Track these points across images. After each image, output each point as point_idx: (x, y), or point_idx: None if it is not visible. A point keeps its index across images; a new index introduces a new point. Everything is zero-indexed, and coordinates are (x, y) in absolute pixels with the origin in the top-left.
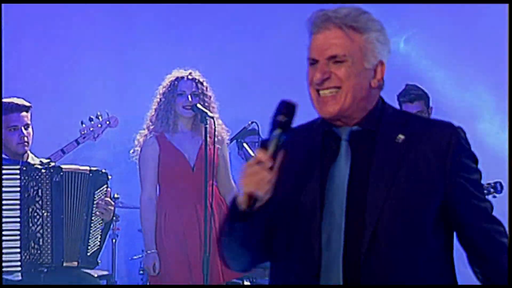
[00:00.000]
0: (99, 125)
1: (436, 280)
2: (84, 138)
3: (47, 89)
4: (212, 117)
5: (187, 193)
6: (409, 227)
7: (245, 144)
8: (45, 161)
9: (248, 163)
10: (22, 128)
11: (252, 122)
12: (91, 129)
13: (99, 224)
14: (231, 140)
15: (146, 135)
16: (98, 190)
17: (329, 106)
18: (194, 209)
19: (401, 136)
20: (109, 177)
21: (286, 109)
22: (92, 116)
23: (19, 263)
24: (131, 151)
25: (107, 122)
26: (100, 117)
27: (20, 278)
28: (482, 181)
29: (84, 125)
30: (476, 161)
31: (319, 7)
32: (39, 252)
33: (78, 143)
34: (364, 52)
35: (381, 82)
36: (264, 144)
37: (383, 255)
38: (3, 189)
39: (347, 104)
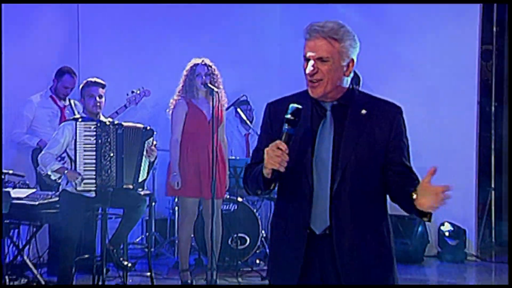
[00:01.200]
0: (138, 95)
1: (377, 196)
2: (129, 103)
3: (108, 72)
4: (217, 92)
5: (203, 138)
6: (365, 168)
7: (239, 110)
8: (110, 120)
9: (270, 148)
10: (97, 97)
11: (243, 95)
12: (133, 98)
13: (146, 161)
14: (229, 107)
15: (177, 100)
16: (147, 140)
17: (317, 90)
18: (206, 148)
19: (364, 111)
20: (155, 132)
21: (294, 111)
22: (134, 90)
23: (94, 186)
24: (167, 109)
25: (144, 93)
26: (139, 90)
27: (94, 195)
28: None
29: (128, 95)
30: (406, 130)
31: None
32: (107, 178)
33: (126, 107)
34: (341, 54)
35: (351, 72)
36: (282, 137)
37: (349, 184)
38: (84, 137)
39: (328, 89)
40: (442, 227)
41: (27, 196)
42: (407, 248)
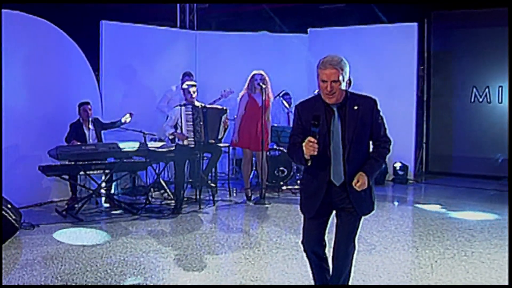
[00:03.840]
0: (227, 92)
1: (366, 156)
2: (222, 96)
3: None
4: (265, 89)
5: (256, 116)
6: (361, 140)
7: (282, 99)
8: (200, 104)
9: (306, 143)
10: (192, 92)
11: (284, 90)
12: (224, 93)
13: (222, 128)
14: (275, 96)
15: (244, 93)
16: (223, 116)
17: (331, 99)
18: (257, 122)
19: (356, 107)
20: (227, 111)
21: (316, 118)
22: (225, 89)
23: (193, 141)
24: (238, 98)
25: (230, 92)
26: (228, 89)
27: (193, 146)
28: None
29: (221, 92)
30: (380, 112)
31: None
32: (200, 136)
33: (220, 99)
34: (343, 76)
35: (349, 87)
36: (311, 134)
37: (353, 153)
38: (186, 115)
39: (338, 97)
40: (395, 164)
41: (160, 147)
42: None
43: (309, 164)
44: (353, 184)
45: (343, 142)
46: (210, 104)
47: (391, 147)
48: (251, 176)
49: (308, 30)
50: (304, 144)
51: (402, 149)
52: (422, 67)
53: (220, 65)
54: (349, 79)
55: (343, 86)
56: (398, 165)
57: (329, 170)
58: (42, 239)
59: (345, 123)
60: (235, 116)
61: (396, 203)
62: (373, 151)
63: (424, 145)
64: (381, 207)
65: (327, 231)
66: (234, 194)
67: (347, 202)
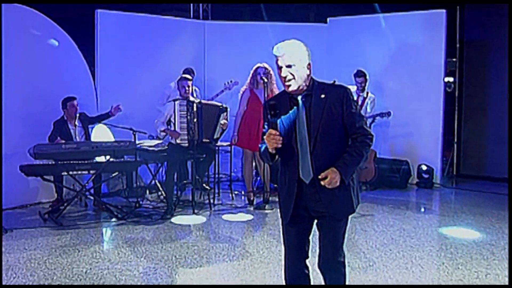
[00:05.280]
0: (231, 84)
1: (341, 151)
2: (225, 89)
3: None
4: (267, 83)
5: (257, 113)
6: (330, 132)
7: None
8: (194, 99)
9: (266, 136)
10: (186, 87)
11: None
12: (228, 85)
13: (222, 128)
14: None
15: (245, 88)
16: (222, 114)
17: (291, 87)
18: (258, 120)
19: (323, 95)
20: (228, 109)
21: (273, 107)
22: (228, 80)
23: (186, 140)
24: (239, 94)
25: (235, 83)
26: (231, 80)
27: (187, 145)
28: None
29: (225, 84)
30: (354, 101)
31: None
32: (193, 134)
33: (223, 91)
34: (301, 60)
35: (310, 71)
36: (271, 126)
37: (321, 146)
38: (180, 111)
39: (298, 84)
40: (420, 167)
41: (155, 145)
42: (396, 179)
43: (275, 160)
44: (320, 179)
45: (309, 134)
46: (213, 97)
47: (371, 141)
48: (258, 179)
49: (328, 19)
50: (265, 137)
51: (427, 149)
52: (454, 59)
53: (231, 57)
54: (309, 64)
55: (301, 71)
56: (423, 167)
57: (297, 166)
58: (7, 246)
59: (310, 113)
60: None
61: (411, 212)
62: (349, 145)
63: (455, 145)
64: (394, 215)
65: (309, 248)
66: (243, 197)
67: (320, 204)
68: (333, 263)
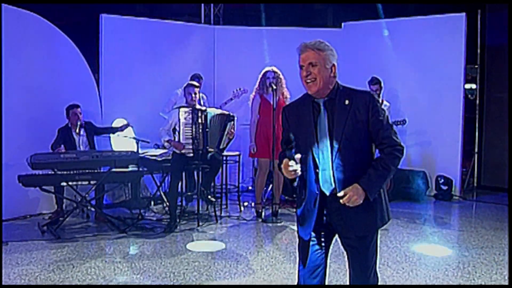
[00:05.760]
0: (240, 92)
1: (367, 163)
2: (234, 97)
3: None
4: (276, 89)
5: (271, 119)
6: (354, 141)
7: None
8: (200, 107)
9: (283, 168)
10: (192, 94)
11: None
12: (236, 93)
13: (229, 138)
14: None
15: (254, 95)
16: (229, 122)
17: (312, 88)
18: (271, 126)
19: (347, 101)
20: (236, 118)
21: (288, 141)
22: (236, 88)
23: (191, 150)
24: (248, 102)
25: (244, 91)
26: (240, 88)
27: (192, 155)
28: (396, 118)
29: (234, 92)
30: (380, 107)
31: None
32: (198, 143)
33: (232, 99)
34: (325, 60)
35: (335, 74)
36: (288, 157)
37: (343, 156)
38: (184, 119)
39: (320, 86)
40: (438, 178)
41: (160, 154)
42: (412, 191)
43: (294, 184)
44: (339, 195)
45: (331, 142)
46: (221, 105)
47: (401, 153)
48: (268, 190)
49: (343, 24)
50: (282, 166)
51: (446, 159)
52: (475, 66)
53: (241, 63)
54: (333, 65)
55: (324, 72)
56: (441, 178)
57: (318, 177)
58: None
59: (333, 119)
60: (249, 123)
61: (427, 226)
62: (375, 158)
63: (476, 155)
64: (409, 230)
65: (326, 271)
66: (252, 209)
67: (343, 220)
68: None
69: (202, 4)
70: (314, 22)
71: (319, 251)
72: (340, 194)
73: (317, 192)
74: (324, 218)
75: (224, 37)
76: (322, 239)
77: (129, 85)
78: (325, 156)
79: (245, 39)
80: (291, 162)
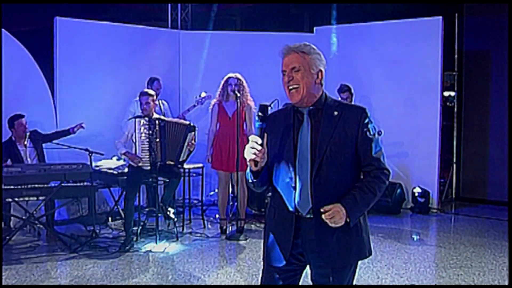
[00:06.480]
0: (203, 98)
1: (351, 183)
2: (197, 103)
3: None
4: (239, 97)
5: (229, 130)
6: (339, 156)
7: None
8: (157, 116)
9: (248, 144)
10: (145, 104)
11: (275, 99)
12: (200, 100)
13: (189, 149)
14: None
15: (215, 103)
16: (190, 133)
17: (295, 96)
18: (231, 137)
19: (336, 112)
20: (196, 128)
21: (263, 109)
22: (200, 94)
23: (148, 162)
24: (209, 108)
25: (207, 97)
26: (204, 93)
27: (149, 168)
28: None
29: (196, 98)
30: (373, 126)
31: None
32: (155, 156)
33: (194, 106)
34: (310, 64)
35: (321, 81)
36: (256, 131)
37: (325, 172)
38: (140, 129)
39: (304, 94)
40: (414, 190)
41: (116, 167)
42: (388, 204)
43: (258, 177)
44: (322, 211)
45: (312, 156)
46: (183, 112)
47: (387, 179)
48: (235, 204)
49: (314, 28)
50: (246, 146)
51: (423, 170)
52: (453, 73)
53: (209, 68)
54: (320, 71)
55: (309, 78)
56: (417, 190)
57: (294, 194)
58: None
59: (317, 130)
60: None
61: (403, 244)
62: (361, 180)
63: (454, 165)
64: (383, 247)
65: None
66: (209, 226)
67: (315, 244)
68: None
69: (169, 8)
70: (290, 27)
71: (289, 280)
72: (325, 209)
73: (292, 211)
74: (299, 244)
75: (190, 42)
76: (292, 272)
77: (87, 94)
78: (304, 170)
79: (213, 44)
80: (256, 139)
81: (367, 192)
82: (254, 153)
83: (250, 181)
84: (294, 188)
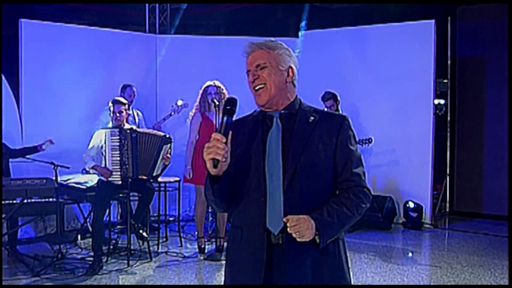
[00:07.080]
0: (180, 106)
1: (325, 198)
2: (174, 112)
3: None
4: (218, 105)
5: None
6: (314, 167)
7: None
8: (129, 127)
9: (208, 142)
10: (117, 113)
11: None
12: (176, 108)
13: (164, 163)
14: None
15: (195, 112)
16: (165, 146)
17: (262, 97)
18: None
19: (312, 118)
20: (172, 140)
21: (230, 102)
22: (176, 102)
23: (119, 177)
24: (187, 119)
25: (184, 105)
26: (181, 101)
27: (120, 183)
28: (362, 137)
29: (173, 106)
30: (354, 137)
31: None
32: (127, 170)
33: (171, 115)
34: (277, 60)
35: (293, 78)
36: (220, 127)
37: (298, 182)
38: (111, 141)
39: (272, 93)
40: (407, 204)
41: (84, 182)
42: (378, 219)
43: (216, 186)
44: (284, 221)
45: (284, 164)
46: (159, 122)
47: (368, 200)
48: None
49: (300, 32)
50: (206, 145)
51: (415, 183)
52: (445, 80)
53: (188, 75)
54: (290, 68)
55: (277, 76)
56: (410, 204)
57: (264, 211)
58: None
59: (290, 137)
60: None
61: (395, 263)
62: (339, 195)
63: (448, 177)
64: (374, 268)
65: None
66: (188, 245)
67: (283, 270)
68: None
69: (147, 12)
70: (275, 31)
71: None
72: (288, 218)
73: (261, 231)
74: (272, 269)
75: (168, 46)
76: None
77: (56, 102)
78: (275, 183)
79: (193, 49)
80: (219, 136)
81: (343, 209)
82: (217, 150)
83: (209, 191)
84: (263, 203)
